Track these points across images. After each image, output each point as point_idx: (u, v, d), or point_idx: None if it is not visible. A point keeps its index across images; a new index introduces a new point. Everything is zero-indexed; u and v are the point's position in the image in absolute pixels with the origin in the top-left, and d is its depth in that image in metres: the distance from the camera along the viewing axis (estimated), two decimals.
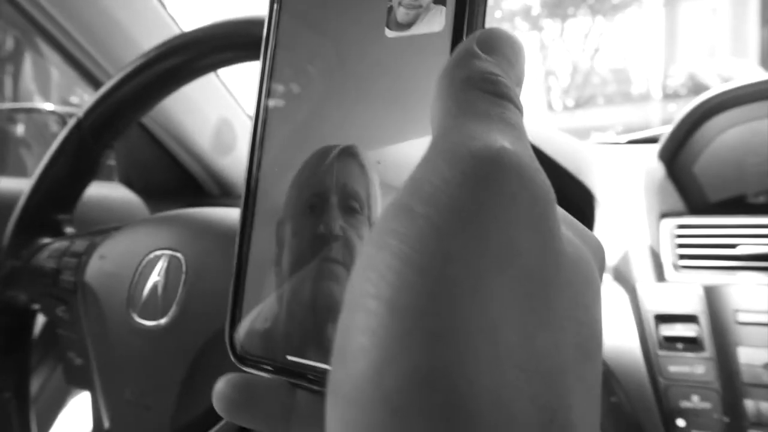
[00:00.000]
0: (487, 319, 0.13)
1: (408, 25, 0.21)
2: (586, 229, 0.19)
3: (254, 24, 0.51)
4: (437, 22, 0.20)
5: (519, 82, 0.18)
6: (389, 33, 0.21)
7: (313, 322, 0.21)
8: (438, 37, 0.20)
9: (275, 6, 0.24)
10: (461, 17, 0.19)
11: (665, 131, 0.97)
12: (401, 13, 0.21)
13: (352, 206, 0.21)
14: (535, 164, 0.15)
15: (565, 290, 0.15)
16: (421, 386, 0.12)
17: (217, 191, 0.98)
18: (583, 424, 0.14)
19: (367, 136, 0.21)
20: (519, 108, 0.17)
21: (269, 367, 0.22)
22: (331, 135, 0.22)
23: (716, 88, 0.70)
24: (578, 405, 0.14)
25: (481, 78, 0.17)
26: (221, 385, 0.21)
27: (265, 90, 0.24)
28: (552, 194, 0.15)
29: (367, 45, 0.21)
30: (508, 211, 0.14)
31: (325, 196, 0.22)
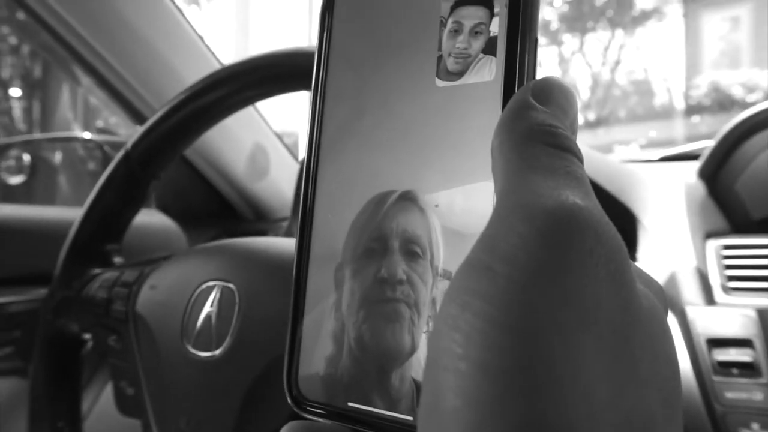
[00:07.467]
0: (580, 376, 0.13)
1: (458, 74, 0.21)
2: (647, 273, 0.19)
3: (297, 56, 0.52)
4: (487, 71, 0.20)
5: (574, 131, 0.19)
6: (439, 82, 0.21)
7: (376, 367, 0.21)
8: (488, 86, 0.20)
9: (324, 54, 0.24)
10: (512, 67, 0.20)
11: (696, 147, 0.96)
12: (451, 63, 0.21)
13: (414, 251, 0.21)
14: (606, 219, 0.16)
15: (646, 344, 0.15)
16: None
17: (252, 215, 0.99)
18: None
19: (421, 181, 0.21)
20: (580, 159, 0.17)
21: (330, 414, 0.22)
22: (384, 180, 0.22)
23: (758, 105, 0.70)
24: None
25: (541, 131, 0.17)
26: None
27: (316, 136, 0.24)
28: (625, 248, 0.16)
29: (418, 93, 0.22)
30: (587, 268, 0.14)
31: (386, 241, 0.21)
